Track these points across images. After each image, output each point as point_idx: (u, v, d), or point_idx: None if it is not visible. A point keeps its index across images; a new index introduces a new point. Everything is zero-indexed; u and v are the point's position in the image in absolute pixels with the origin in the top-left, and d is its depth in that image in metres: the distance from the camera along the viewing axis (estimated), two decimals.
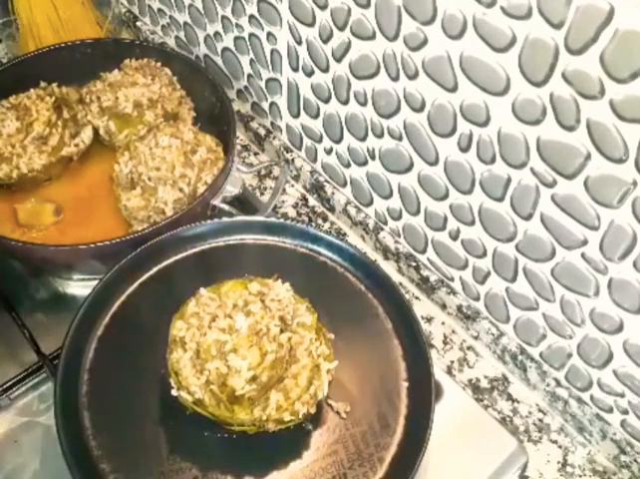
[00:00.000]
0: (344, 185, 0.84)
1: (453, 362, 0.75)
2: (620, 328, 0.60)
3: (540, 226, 0.61)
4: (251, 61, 0.86)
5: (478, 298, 0.74)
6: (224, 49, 0.90)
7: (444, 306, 0.78)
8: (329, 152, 0.82)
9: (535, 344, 0.70)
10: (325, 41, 0.71)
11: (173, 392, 0.56)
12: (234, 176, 0.76)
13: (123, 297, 0.66)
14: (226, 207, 0.74)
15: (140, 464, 0.57)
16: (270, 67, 0.83)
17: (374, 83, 0.68)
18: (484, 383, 0.74)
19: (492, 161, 0.61)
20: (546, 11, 0.49)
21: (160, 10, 1.00)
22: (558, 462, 0.69)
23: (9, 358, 0.69)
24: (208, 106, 0.84)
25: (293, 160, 0.89)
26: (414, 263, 0.79)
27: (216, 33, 0.89)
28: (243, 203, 0.80)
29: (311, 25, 0.71)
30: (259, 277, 0.62)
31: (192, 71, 0.86)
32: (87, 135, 0.82)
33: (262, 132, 0.92)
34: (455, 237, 0.72)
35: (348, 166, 0.81)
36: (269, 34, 0.79)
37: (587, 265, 0.59)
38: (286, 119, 0.87)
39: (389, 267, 0.82)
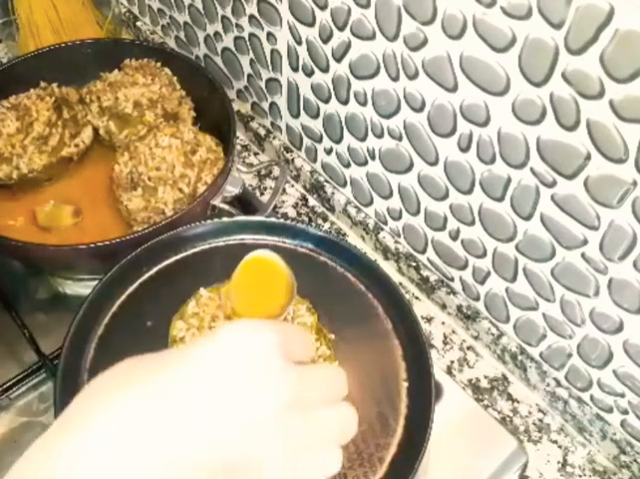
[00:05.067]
0: (344, 185, 0.84)
1: (453, 362, 0.75)
2: (620, 328, 0.60)
3: (540, 226, 0.61)
4: (251, 61, 0.86)
5: (478, 298, 0.74)
6: (224, 49, 0.90)
7: (444, 306, 0.78)
8: (329, 152, 0.82)
9: (535, 344, 0.70)
10: (325, 41, 0.71)
11: None
12: (234, 176, 0.76)
13: (123, 297, 0.66)
14: (226, 207, 0.74)
15: None
16: (270, 67, 0.83)
17: (374, 83, 0.68)
18: (484, 383, 0.74)
19: (492, 161, 0.61)
20: (546, 11, 0.49)
21: (159, 10, 1.00)
22: (558, 462, 0.69)
23: (9, 358, 0.69)
24: (208, 106, 0.84)
25: (293, 160, 0.89)
26: (414, 263, 0.79)
27: (216, 33, 0.89)
28: (243, 203, 0.80)
29: (311, 25, 0.71)
30: None
31: (192, 71, 0.86)
32: (87, 135, 0.82)
33: (262, 132, 0.92)
34: (455, 237, 0.72)
35: (348, 166, 0.81)
36: (269, 34, 0.79)
37: (587, 265, 0.59)
38: (286, 119, 0.87)
39: (389, 267, 0.82)
